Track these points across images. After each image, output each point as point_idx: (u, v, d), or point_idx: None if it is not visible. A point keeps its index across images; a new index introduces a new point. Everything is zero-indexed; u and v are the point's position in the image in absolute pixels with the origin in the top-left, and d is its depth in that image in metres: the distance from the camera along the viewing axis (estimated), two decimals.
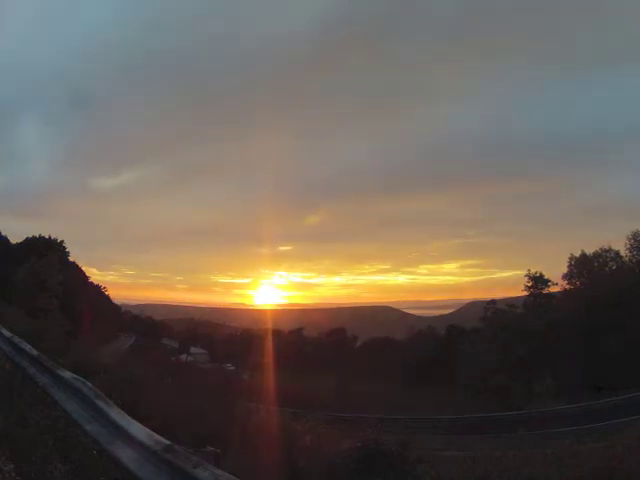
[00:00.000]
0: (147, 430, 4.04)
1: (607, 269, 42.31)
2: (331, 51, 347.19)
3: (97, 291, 76.43)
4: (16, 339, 8.97)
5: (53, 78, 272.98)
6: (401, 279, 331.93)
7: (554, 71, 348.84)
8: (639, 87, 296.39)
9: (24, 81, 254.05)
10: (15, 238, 53.97)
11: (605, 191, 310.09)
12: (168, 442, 3.65)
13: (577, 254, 43.84)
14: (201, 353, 77.86)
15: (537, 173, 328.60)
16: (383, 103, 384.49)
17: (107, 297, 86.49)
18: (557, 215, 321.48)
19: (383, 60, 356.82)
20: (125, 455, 3.97)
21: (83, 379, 5.67)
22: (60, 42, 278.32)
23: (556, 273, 45.43)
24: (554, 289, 44.46)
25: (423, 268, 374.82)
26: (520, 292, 45.89)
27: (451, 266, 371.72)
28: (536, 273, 44.26)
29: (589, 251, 43.73)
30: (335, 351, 77.15)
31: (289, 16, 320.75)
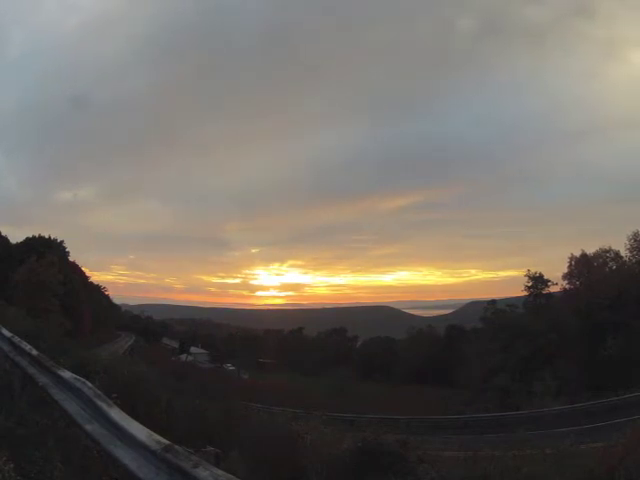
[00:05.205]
0: (147, 430, 4.04)
1: (607, 269, 42.30)
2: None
3: (97, 291, 76.45)
4: (16, 339, 8.95)
5: None
6: (387, 278, 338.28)
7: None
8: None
9: None
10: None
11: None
12: (168, 442, 3.66)
13: (577, 254, 43.92)
14: (201, 353, 77.89)
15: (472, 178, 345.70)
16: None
17: (107, 297, 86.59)
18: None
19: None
20: (125, 455, 3.98)
21: (83, 379, 5.66)
22: None
23: (555, 273, 45.55)
24: (554, 289, 44.56)
25: (401, 269, 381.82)
26: (520, 292, 46.03)
27: (428, 267, 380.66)
28: (536, 273, 44.37)
29: (589, 251, 43.82)
30: (335, 351, 77.17)
31: None
